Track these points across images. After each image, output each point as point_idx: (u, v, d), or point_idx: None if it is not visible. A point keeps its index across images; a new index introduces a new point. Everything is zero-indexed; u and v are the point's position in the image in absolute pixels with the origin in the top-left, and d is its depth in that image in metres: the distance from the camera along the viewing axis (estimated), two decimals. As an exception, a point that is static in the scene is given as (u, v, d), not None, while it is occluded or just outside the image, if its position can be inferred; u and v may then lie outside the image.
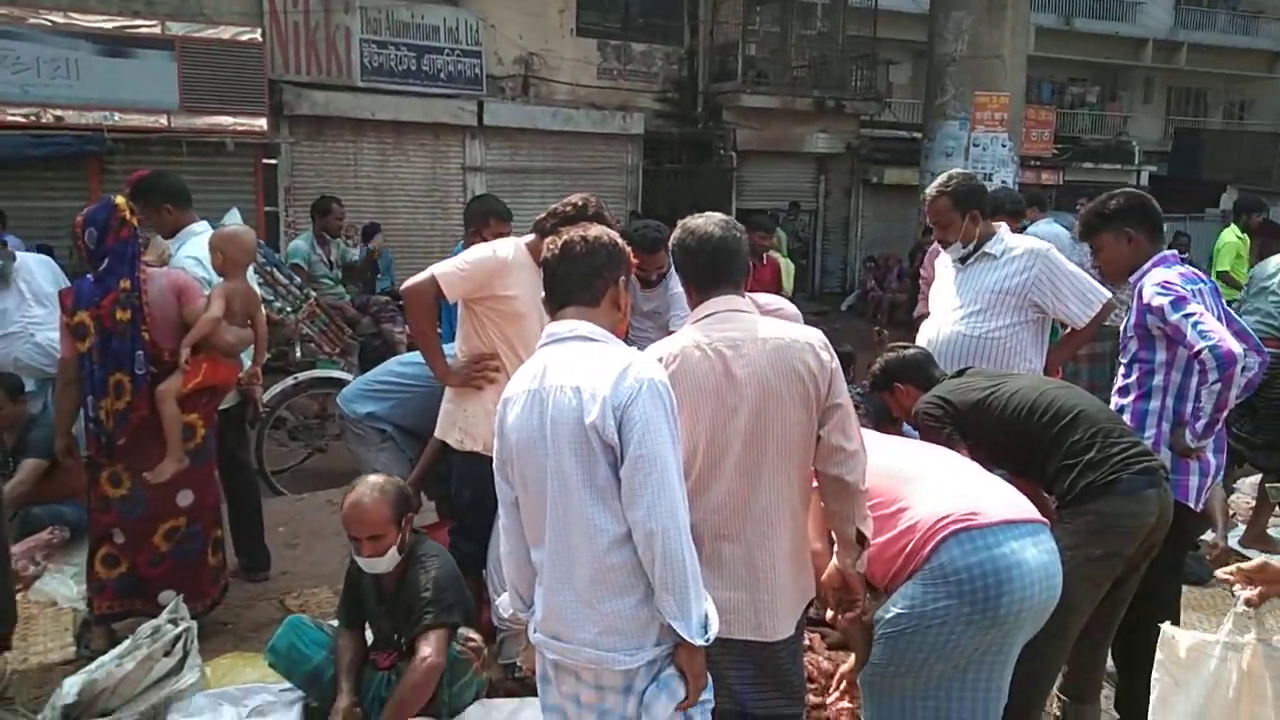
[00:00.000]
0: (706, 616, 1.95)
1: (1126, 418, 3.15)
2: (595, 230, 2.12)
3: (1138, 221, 3.17)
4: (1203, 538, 4.88)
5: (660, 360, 2.29)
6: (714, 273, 2.36)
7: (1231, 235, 8.04)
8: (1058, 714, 3.14)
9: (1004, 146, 14.21)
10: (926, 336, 3.79)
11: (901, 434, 3.33)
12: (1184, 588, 4.61)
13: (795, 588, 2.34)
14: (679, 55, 15.91)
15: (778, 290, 8.50)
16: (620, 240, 2.14)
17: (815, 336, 2.32)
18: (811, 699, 3.40)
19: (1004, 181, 13.82)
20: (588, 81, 15.03)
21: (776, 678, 2.38)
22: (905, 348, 3.32)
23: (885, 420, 3.65)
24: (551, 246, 2.11)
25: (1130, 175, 20.37)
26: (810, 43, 18.77)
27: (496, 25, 13.98)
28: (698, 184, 15.07)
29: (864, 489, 2.26)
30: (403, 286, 3.33)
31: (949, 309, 3.73)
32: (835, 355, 2.31)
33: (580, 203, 3.23)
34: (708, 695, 2.03)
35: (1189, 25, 27.07)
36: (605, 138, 14.95)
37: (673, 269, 4.52)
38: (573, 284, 2.07)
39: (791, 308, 3.79)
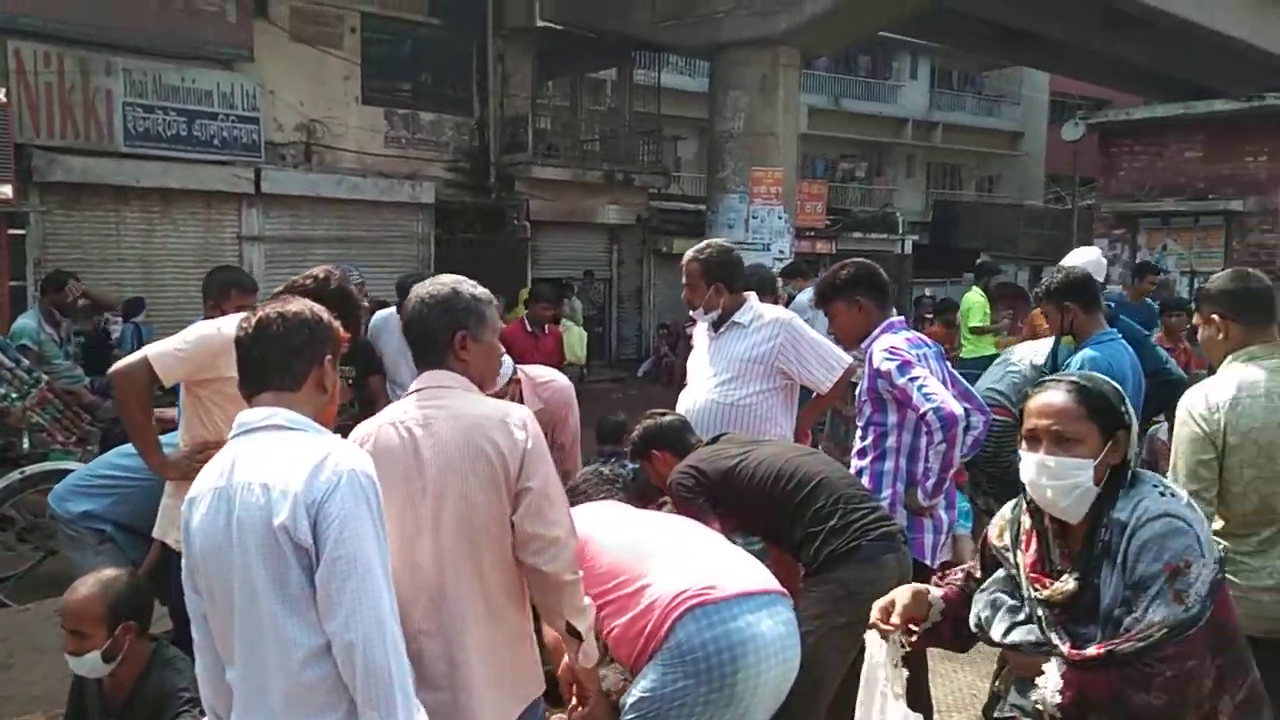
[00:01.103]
0: None
1: (865, 479, 3.28)
2: (295, 305, 1.92)
3: (866, 290, 3.34)
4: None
5: (359, 440, 2.18)
6: (415, 350, 2.28)
7: (976, 296, 8.89)
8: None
9: (780, 218, 15.05)
10: (684, 405, 3.83)
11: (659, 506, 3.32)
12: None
13: (495, 688, 2.14)
14: (470, 126, 15.93)
15: (560, 361, 8.50)
16: (326, 315, 1.96)
17: (515, 414, 2.17)
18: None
19: (781, 251, 14.63)
20: (375, 150, 14.75)
21: None
22: (663, 414, 3.34)
23: (648, 491, 3.64)
24: (245, 325, 1.90)
25: (896, 244, 21.97)
26: (599, 117, 19.36)
27: (275, 91, 13.51)
28: (493, 253, 15.00)
29: (570, 579, 2.13)
30: (111, 369, 3.03)
31: (704, 377, 3.79)
32: (532, 434, 2.14)
33: (322, 275, 3.06)
34: None
35: (943, 107, 29.88)
36: (394, 206, 14.66)
37: None
38: (268, 366, 1.87)
39: (561, 381, 3.75)
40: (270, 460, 1.77)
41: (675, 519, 2.79)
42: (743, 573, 2.42)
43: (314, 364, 1.91)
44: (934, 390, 3.12)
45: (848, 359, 3.74)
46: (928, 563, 3.25)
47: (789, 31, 13.88)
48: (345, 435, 2.08)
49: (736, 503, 2.88)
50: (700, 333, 3.96)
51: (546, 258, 16.75)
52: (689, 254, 3.81)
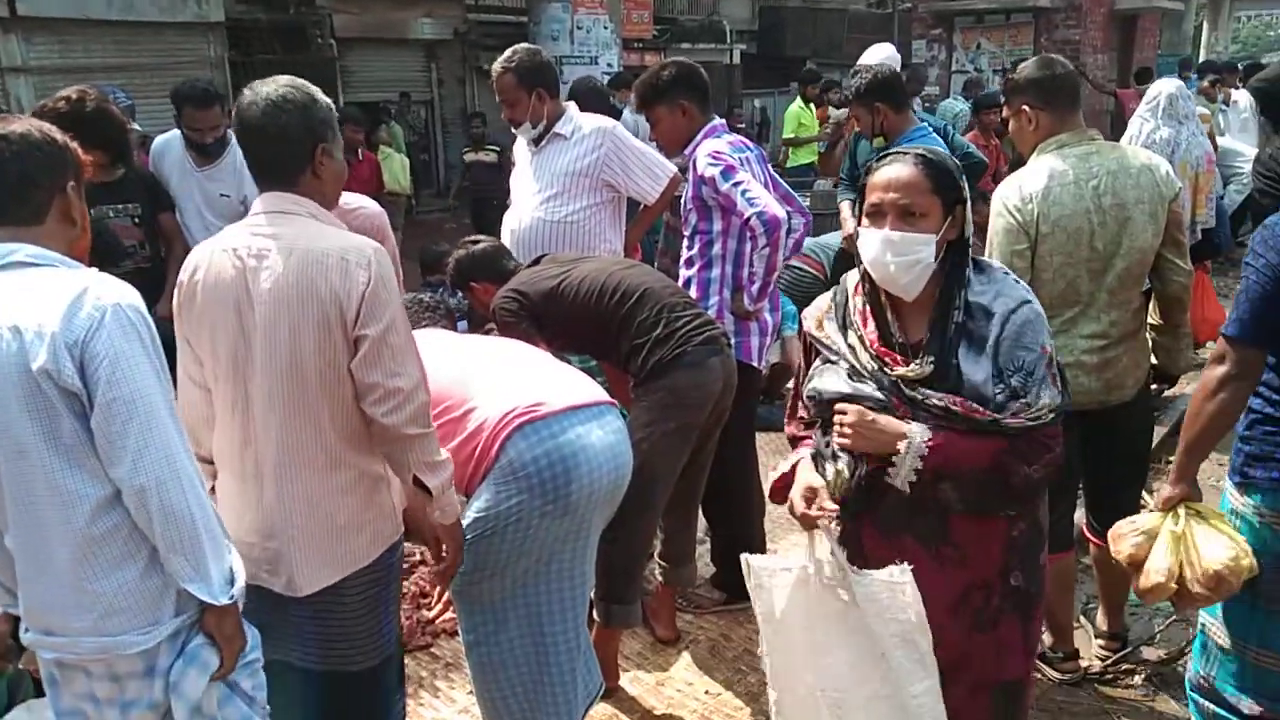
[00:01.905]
0: (231, 570, 1.72)
1: (693, 287, 3.29)
2: (20, 126, 1.66)
3: (689, 92, 3.24)
4: (787, 386, 5.39)
5: (190, 267, 2.00)
6: (260, 164, 2.05)
7: (795, 106, 8.90)
8: (660, 579, 3.29)
9: (606, 29, 14.44)
10: (510, 225, 3.69)
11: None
12: (771, 434, 5.11)
13: (322, 538, 2.02)
14: (257, -67, 14.32)
15: (378, 190, 8.08)
16: (60, 135, 1.70)
17: (356, 248, 1.95)
18: (426, 614, 3.33)
19: (609, 64, 14.12)
20: (148, -38, 13.10)
21: (329, 630, 2.10)
22: (475, 242, 3.21)
23: (480, 320, 3.56)
24: None
25: (724, 54, 21.65)
26: (403, -81, 17.73)
27: (18, -108, 11.66)
28: (297, 76, 13.84)
29: (413, 432, 1.97)
30: None
31: (528, 194, 3.65)
32: (376, 274, 1.94)
33: (75, 96, 2.71)
34: (254, 654, 1.82)
35: (768, -96, 28.90)
36: (179, 27, 13.18)
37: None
38: (2, 197, 1.64)
39: (372, 207, 3.51)
40: (18, 301, 1.57)
41: (501, 341, 2.72)
42: (570, 386, 2.40)
43: (54, 192, 1.68)
44: (757, 194, 3.10)
45: (672, 168, 3.66)
46: (754, 364, 3.33)
47: None
48: (139, 283, 1.87)
49: (562, 322, 2.84)
50: (521, 149, 3.77)
51: (358, 79, 15.65)
52: (497, 66, 3.57)
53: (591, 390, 2.44)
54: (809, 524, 1.92)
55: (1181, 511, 2.25)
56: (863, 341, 1.93)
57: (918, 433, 1.82)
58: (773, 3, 28.29)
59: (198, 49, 13.45)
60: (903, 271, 1.84)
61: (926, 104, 11.46)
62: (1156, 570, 2.22)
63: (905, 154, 1.88)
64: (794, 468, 2.04)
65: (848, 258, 4.80)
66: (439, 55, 16.80)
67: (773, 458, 4.84)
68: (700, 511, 3.40)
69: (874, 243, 1.86)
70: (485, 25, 17.61)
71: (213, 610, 1.69)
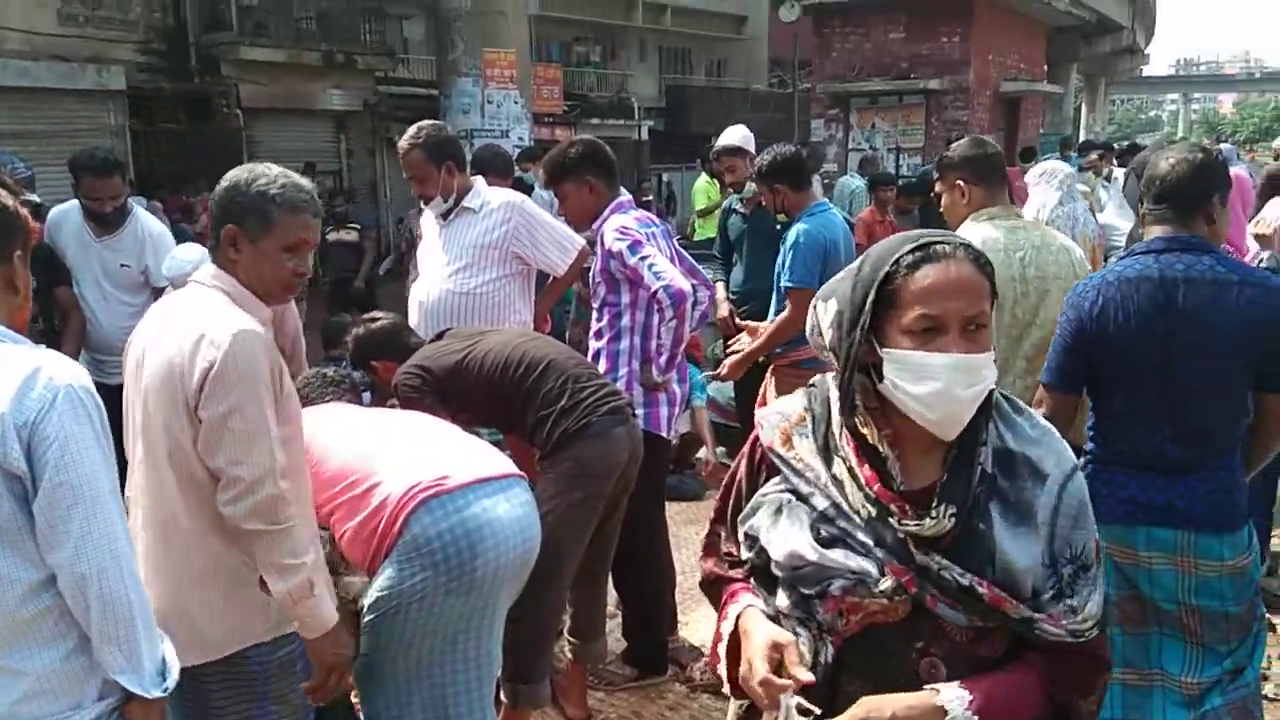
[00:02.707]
0: (164, 660, 1.64)
1: (602, 359, 3.32)
2: None
3: (596, 169, 3.31)
4: (697, 455, 5.45)
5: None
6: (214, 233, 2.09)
7: (702, 181, 9.18)
8: (570, 656, 3.25)
9: (516, 103, 14.68)
10: (418, 297, 3.68)
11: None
12: (681, 504, 5.14)
13: (181, 620, 1.93)
14: (161, 1, 14.19)
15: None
16: (13, 202, 1.67)
17: (220, 330, 1.89)
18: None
19: (520, 138, 14.32)
20: (46, 29, 12.86)
21: (197, 713, 2.02)
22: (374, 320, 3.18)
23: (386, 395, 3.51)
24: None
25: (633, 129, 22.18)
26: (314, -7, 17.85)
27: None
28: (202, 145, 13.67)
29: (252, 528, 1.88)
30: None
31: (437, 267, 3.64)
32: (228, 355, 1.87)
33: None
34: None
35: (671, -11, 29.99)
36: (78, 94, 12.94)
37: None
38: None
39: None
40: None
41: (407, 414, 2.69)
42: (477, 460, 2.38)
43: (2, 260, 1.63)
44: (663, 269, 3.17)
45: (580, 240, 3.71)
46: (664, 434, 3.37)
47: (513, -98, 13.28)
48: None
49: (467, 396, 2.83)
50: (429, 222, 3.78)
51: (264, 149, 15.47)
52: (404, 143, 3.59)
53: (499, 462, 2.42)
54: (773, 696, 1.32)
55: None
56: (855, 477, 1.37)
57: (955, 702, 1.30)
58: (679, 82, 29.23)
59: (98, 117, 13.20)
60: (970, 405, 1.33)
61: (825, 180, 11.92)
62: None
63: (952, 245, 1.35)
64: (736, 625, 1.46)
65: None
66: (348, 126, 16.79)
67: (683, 528, 4.86)
68: (610, 585, 3.39)
69: (939, 371, 1.30)
70: (396, 98, 17.72)
71: (140, 701, 1.61)
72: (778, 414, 1.49)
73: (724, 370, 3.83)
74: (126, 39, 13.74)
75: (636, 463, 2.91)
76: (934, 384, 1.32)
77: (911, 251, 1.35)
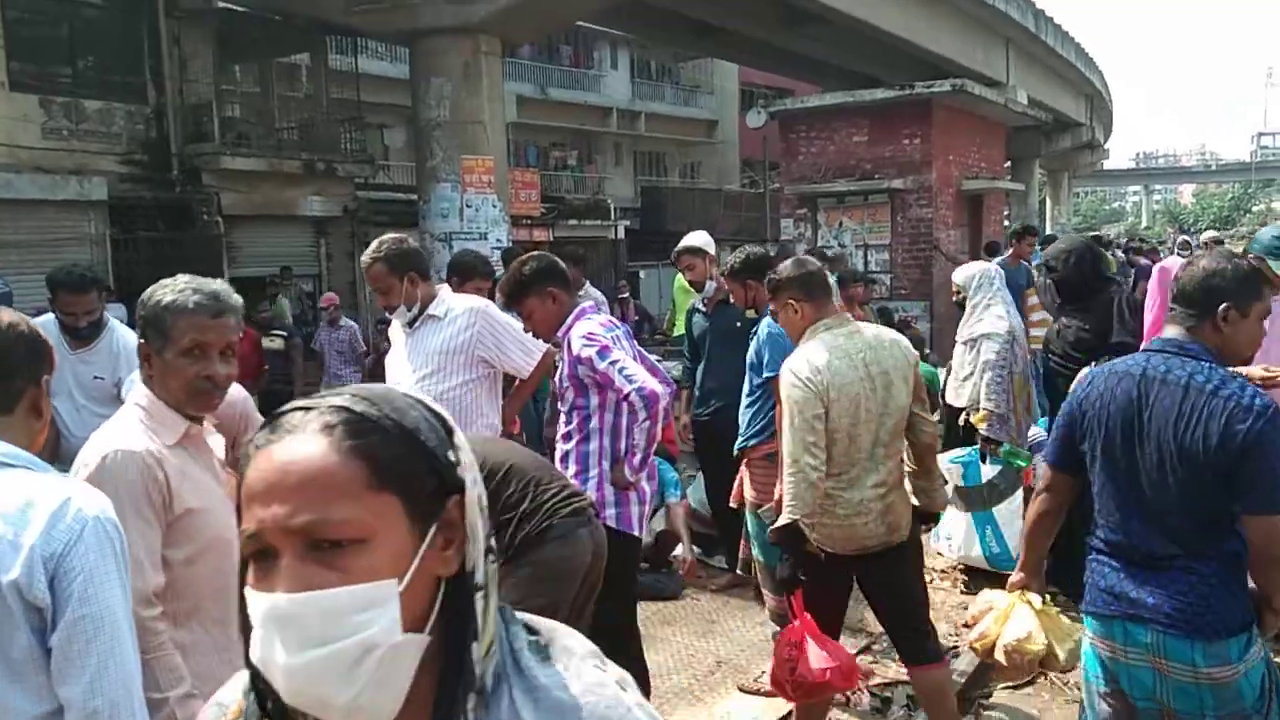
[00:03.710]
0: None
1: (571, 461, 3.37)
2: (8, 316, 1.65)
3: (554, 280, 3.41)
4: (675, 554, 5.43)
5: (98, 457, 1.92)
6: None
7: (681, 279, 9.34)
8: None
9: (494, 207, 14.99)
10: (388, 404, 3.73)
11: None
12: (658, 604, 5.10)
13: None
14: (145, 114, 14.53)
15: (260, 366, 7.99)
16: (41, 331, 1.71)
17: (91, 449, 1.89)
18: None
19: (498, 240, 14.58)
20: (30, 142, 13.11)
21: None
22: None
23: None
24: None
25: (609, 229, 22.65)
26: (295, 104, 18.33)
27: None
28: (182, 252, 13.80)
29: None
30: None
31: (405, 374, 3.71)
32: (86, 477, 1.83)
33: None
34: None
35: (644, 96, 31.04)
36: (59, 205, 13.11)
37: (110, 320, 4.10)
38: None
39: (234, 393, 3.50)
40: None
41: None
42: None
43: (30, 384, 1.65)
44: (634, 371, 3.25)
45: (544, 345, 3.79)
46: (635, 533, 3.39)
47: (487, 19, 13.81)
48: None
49: None
50: (396, 331, 3.86)
51: (244, 255, 15.68)
52: (366, 258, 3.69)
53: None
54: None
55: (1014, 596, 2.75)
56: None
57: None
58: (654, 183, 29.99)
59: (78, 226, 13.36)
60: (324, 681, 0.83)
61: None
62: (980, 638, 2.72)
63: (307, 413, 0.88)
64: None
65: None
66: (328, 231, 17.04)
67: (659, 628, 4.83)
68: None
69: (259, 623, 0.85)
70: (375, 203, 18.05)
71: None
72: (217, 705, 1.09)
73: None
74: (110, 151, 14.01)
75: (601, 562, 2.91)
76: (259, 652, 0.86)
77: (265, 424, 0.90)
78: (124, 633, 1.53)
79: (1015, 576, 2.78)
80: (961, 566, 5.38)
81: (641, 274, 22.40)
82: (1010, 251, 8.69)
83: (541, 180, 23.27)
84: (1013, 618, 2.72)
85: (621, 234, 23.20)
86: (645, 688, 3.59)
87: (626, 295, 17.02)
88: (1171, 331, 2.40)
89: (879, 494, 3.15)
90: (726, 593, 5.24)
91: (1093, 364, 4.42)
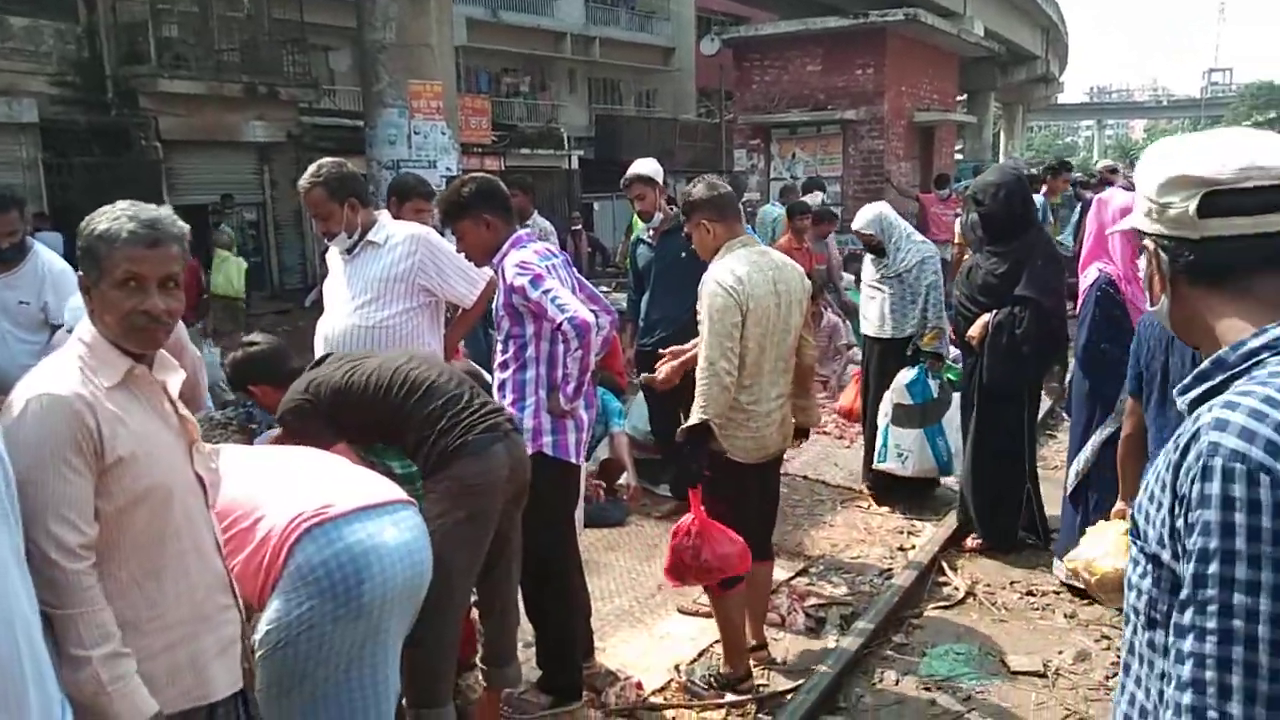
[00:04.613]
0: None
1: (508, 389, 3.37)
2: None
3: (491, 206, 3.36)
4: (620, 482, 5.50)
5: None
6: None
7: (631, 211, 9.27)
8: (483, 683, 3.26)
9: (444, 134, 14.65)
10: (324, 332, 3.69)
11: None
12: (603, 530, 5.19)
13: None
14: (75, 33, 13.95)
15: (198, 293, 7.84)
16: None
17: (19, 392, 1.79)
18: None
19: (448, 168, 14.27)
20: (-48, 62, 12.57)
21: None
22: (252, 344, 3.18)
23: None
24: None
25: (563, 159, 22.33)
26: (236, 25, 17.67)
27: None
28: (119, 178, 13.39)
29: (45, 607, 1.68)
30: None
31: (342, 301, 3.66)
32: (9, 424, 1.74)
33: None
34: None
35: (598, 21, 30.35)
36: (-13, 128, 12.65)
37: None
38: None
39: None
40: None
41: (292, 450, 2.70)
42: (362, 486, 2.40)
43: None
44: (566, 301, 3.23)
45: (487, 271, 3.76)
46: (572, 460, 3.41)
47: (434, -63, 13.36)
48: None
49: (350, 418, 2.84)
50: (334, 258, 3.79)
51: (184, 182, 15.27)
52: (304, 182, 3.61)
53: (386, 489, 2.44)
54: None
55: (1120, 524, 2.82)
56: None
57: None
58: (609, 112, 29.53)
59: (9, 149, 12.91)
60: None
61: (749, 209, 12.14)
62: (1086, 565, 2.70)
63: None
64: None
65: None
66: (272, 158, 16.63)
67: (604, 554, 4.91)
68: (524, 612, 3.42)
69: None
70: (321, 128, 17.60)
71: None
72: None
73: (659, 377, 3.92)
74: (39, 71, 13.47)
75: (521, 479, 2.92)
76: None
77: None
78: (5, 556, 1.45)
79: (1119, 505, 3.00)
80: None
81: (596, 205, 22.17)
82: (1044, 190, 9.25)
83: (493, 107, 22.81)
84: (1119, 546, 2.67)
85: (575, 164, 22.89)
86: (586, 610, 3.66)
87: (580, 227, 16.88)
88: None
89: (779, 404, 3.48)
90: (671, 518, 5.33)
91: (994, 313, 4.51)
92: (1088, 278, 4.03)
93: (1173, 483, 1.16)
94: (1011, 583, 4.57)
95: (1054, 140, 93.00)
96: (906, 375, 5.32)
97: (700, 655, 3.84)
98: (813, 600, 4.34)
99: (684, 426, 3.39)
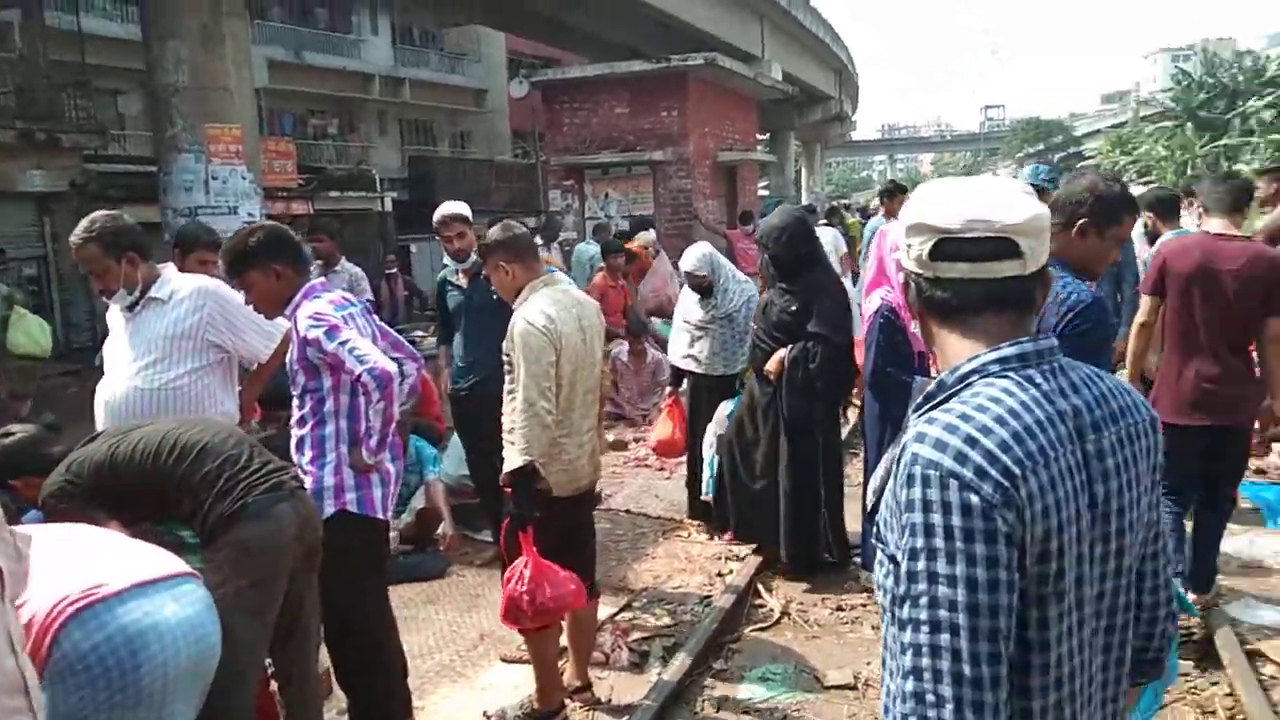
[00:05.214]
0: None
1: (307, 447, 3.25)
2: None
3: (281, 255, 3.23)
4: (438, 532, 5.39)
5: None
6: None
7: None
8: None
9: (244, 179, 14.08)
10: (104, 396, 3.46)
11: None
12: (420, 584, 5.06)
13: None
14: None
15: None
16: None
17: None
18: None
19: (250, 214, 13.73)
20: None
21: None
22: (7, 436, 2.96)
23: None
24: None
25: (375, 201, 21.84)
26: (8, 66, 16.38)
27: None
28: None
29: None
30: None
31: (124, 363, 3.46)
32: None
33: None
34: None
35: (407, 63, 30.06)
36: None
37: None
38: None
39: None
40: None
41: (61, 527, 2.51)
42: (138, 561, 2.26)
43: None
44: (365, 351, 3.15)
45: (284, 324, 3.63)
46: (379, 516, 3.32)
47: (224, -24, 12.91)
48: None
49: (120, 493, 2.67)
50: (115, 316, 3.58)
51: (-48, 236, 13.97)
52: (75, 239, 3.40)
53: (165, 562, 2.29)
54: None
55: None
56: None
57: None
58: (422, 153, 29.18)
59: None
60: None
61: (566, 248, 12.29)
62: None
63: None
64: None
65: None
66: (53, 208, 15.45)
67: (423, 608, 4.79)
68: (334, 678, 3.29)
69: None
70: (108, 176, 16.53)
71: None
72: None
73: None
74: None
75: (311, 539, 2.82)
76: None
77: None
78: None
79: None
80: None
81: (413, 247, 21.74)
82: (882, 210, 9.73)
83: (300, 150, 22.09)
84: None
85: (389, 206, 22.41)
86: (402, 670, 3.55)
87: (395, 270, 16.52)
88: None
89: (590, 437, 3.59)
90: (492, 565, 5.27)
91: (789, 349, 4.77)
92: (871, 305, 4.30)
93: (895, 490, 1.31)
94: (823, 599, 4.78)
95: (851, 174, 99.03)
96: (728, 407, 5.49)
97: (523, 702, 3.81)
98: (636, 634, 4.39)
99: (507, 470, 3.36)
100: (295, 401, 3.32)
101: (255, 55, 16.16)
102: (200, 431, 2.74)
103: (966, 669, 1.21)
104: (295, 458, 3.23)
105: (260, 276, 3.19)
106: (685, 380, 5.79)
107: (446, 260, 5.30)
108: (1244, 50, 50.56)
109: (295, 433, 3.31)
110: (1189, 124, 42.08)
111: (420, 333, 10.63)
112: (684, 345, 5.71)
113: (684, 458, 5.97)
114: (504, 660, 4.19)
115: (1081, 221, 2.82)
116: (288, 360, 3.30)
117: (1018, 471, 1.23)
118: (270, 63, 22.27)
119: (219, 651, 2.30)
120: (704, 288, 5.55)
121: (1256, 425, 4.21)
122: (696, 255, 5.60)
